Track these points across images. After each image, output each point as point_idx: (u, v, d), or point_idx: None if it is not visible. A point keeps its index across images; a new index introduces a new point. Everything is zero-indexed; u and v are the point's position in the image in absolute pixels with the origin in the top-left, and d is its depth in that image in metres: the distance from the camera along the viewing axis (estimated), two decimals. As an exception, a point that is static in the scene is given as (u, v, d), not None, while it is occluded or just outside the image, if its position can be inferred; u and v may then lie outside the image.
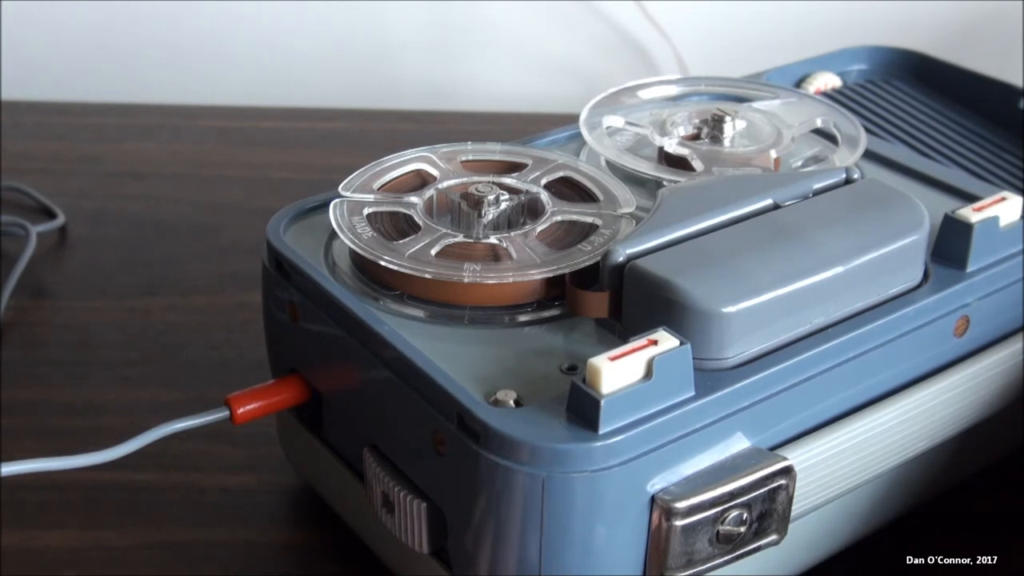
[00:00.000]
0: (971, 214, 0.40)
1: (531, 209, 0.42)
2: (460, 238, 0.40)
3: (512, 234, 0.40)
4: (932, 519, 0.44)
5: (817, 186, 0.41)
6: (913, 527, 0.44)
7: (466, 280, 0.38)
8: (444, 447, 0.34)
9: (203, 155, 0.72)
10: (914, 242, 0.38)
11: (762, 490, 0.34)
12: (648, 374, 0.33)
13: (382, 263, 0.38)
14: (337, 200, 0.41)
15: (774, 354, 0.36)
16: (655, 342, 0.33)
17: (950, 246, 0.40)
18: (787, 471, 0.35)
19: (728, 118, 0.46)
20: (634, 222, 0.40)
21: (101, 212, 0.66)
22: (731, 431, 0.35)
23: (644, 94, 0.50)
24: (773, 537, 0.35)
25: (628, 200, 0.42)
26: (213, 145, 0.74)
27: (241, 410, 0.41)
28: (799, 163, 0.46)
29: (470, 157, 0.44)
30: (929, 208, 0.40)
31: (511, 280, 0.38)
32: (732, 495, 0.34)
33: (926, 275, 0.40)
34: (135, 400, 0.51)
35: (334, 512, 0.44)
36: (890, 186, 0.41)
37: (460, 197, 0.41)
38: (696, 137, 0.46)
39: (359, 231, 0.40)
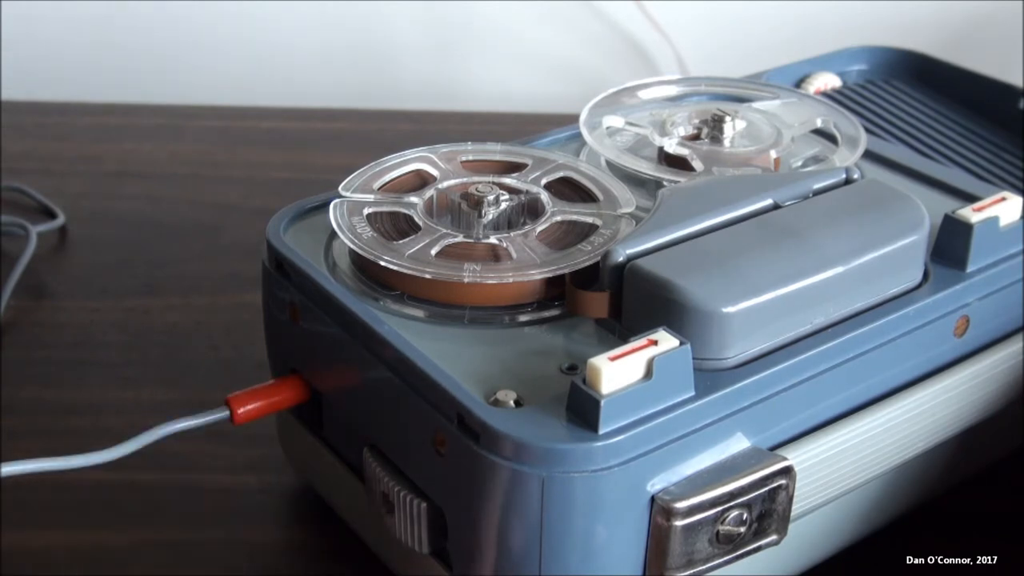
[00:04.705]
0: (971, 214, 0.40)
1: (531, 209, 0.42)
2: (460, 238, 0.40)
3: (512, 234, 0.40)
4: (932, 519, 0.44)
5: (817, 186, 0.41)
6: (913, 527, 0.44)
7: (466, 280, 0.38)
8: (444, 447, 0.34)
9: (203, 155, 0.72)
10: (914, 242, 0.38)
11: (762, 490, 0.34)
12: (648, 374, 0.33)
13: (382, 263, 0.38)
14: (337, 200, 0.41)
15: (774, 354, 0.36)
16: (655, 342, 0.33)
17: (950, 246, 0.40)
18: (787, 471, 0.35)
19: (728, 118, 0.46)
20: (634, 222, 0.40)
21: (101, 212, 0.66)
22: (731, 431, 0.35)
23: (644, 94, 0.50)
24: (773, 537, 0.35)
25: (628, 200, 0.42)
26: (213, 145, 0.74)
27: (241, 410, 0.41)
28: (799, 163, 0.46)
29: (470, 157, 0.44)
30: (929, 208, 0.40)
31: (511, 280, 0.38)
32: (732, 495, 0.34)
33: (926, 275, 0.40)
34: (135, 400, 0.51)
35: (334, 512, 0.44)
36: (890, 186, 0.41)
37: (460, 197, 0.41)
38: (696, 137, 0.46)
39: (359, 231, 0.40)
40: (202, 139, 0.74)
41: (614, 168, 0.45)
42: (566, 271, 0.38)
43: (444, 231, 0.40)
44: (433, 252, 0.39)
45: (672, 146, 0.45)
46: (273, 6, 0.83)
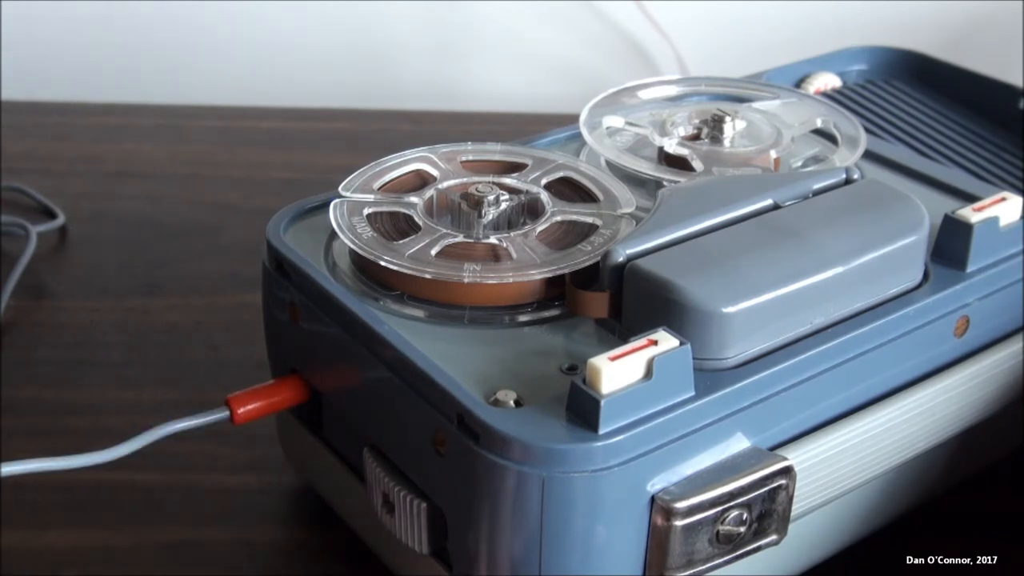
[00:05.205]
0: (971, 214, 0.40)
1: (531, 209, 0.42)
2: (460, 238, 0.40)
3: (512, 234, 0.40)
4: (932, 519, 0.44)
5: (817, 186, 0.41)
6: (913, 527, 0.44)
7: (466, 280, 0.38)
8: (444, 447, 0.34)
9: (203, 155, 0.72)
10: (914, 242, 0.38)
11: (762, 490, 0.34)
12: (648, 374, 0.33)
13: (382, 263, 0.38)
14: (337, 200, 0.41)
15: (774, 354, 0.36)
16: (655, 342, 0.33)
17: (950, 246, 0.40)
18: (787, 471, 0.35)
19: (728, 118, 0.46)
20: (634, 222, 0.40)
21: (101, 212, 0.66)
22: (731, 431, 0.35)
23: (644, 94, 0.50)
24: (773, 537, 0.35)
25: (628, 200, 0.42)
26: (213, 145, 0.74)
27: (241, 410, 0.41)
28: (799, 163, 0.46)
29: (470, 157, 0.44)
30: (929, 208, 0.40)
31: (511, 280, 0.38)
32: (732, 495, 0.34)
33: (926, 275, 0.40)
34: (135, 400, 0.51)
35: (334, 512, 0.44)
36: (890, 186, 0.41)
37: (460, 197, 0.41)
38: (696, 137, 0.46)
39: (359, 231, 0.40)
40: (202, 139, 0.74)
41: (614, 168, 0.45)
42: (566, 271, 0.38)
43: (444, 231, 0.40)
44: (433, 252, 0.39)
45: (672, 146, 0.45)
46: (273, 6, 0.83)
